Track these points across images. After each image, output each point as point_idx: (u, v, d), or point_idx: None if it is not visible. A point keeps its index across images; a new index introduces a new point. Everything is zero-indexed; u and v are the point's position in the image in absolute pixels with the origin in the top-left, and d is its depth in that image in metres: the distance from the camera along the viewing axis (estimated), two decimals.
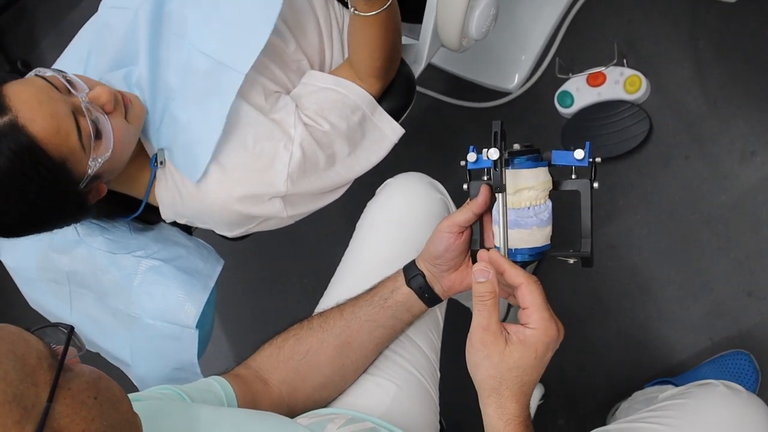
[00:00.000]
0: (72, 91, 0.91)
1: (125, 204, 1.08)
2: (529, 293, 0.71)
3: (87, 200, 0.97)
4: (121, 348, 1.13)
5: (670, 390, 1.00)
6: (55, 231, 0.98)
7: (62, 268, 1.12)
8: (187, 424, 0.73)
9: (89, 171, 0.92)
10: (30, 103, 0.86)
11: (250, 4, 1.00)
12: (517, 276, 0.72)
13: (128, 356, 1.12)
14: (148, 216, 1.10)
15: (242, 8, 1.00)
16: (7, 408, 0.50)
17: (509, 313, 1.54)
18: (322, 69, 1.14)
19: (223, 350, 2.03)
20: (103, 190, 0.99)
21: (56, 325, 0.57)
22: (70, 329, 0.57)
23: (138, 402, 0.72)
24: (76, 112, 0.90)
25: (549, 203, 0.81)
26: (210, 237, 1.18)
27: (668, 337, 1.47)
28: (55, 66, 1.15)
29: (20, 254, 1.18)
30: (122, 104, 0.96)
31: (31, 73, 0.94)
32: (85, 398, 0.55)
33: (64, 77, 0.92)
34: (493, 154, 0.74)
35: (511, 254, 0.79)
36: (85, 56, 1.10)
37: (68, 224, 0.99)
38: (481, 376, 0.71)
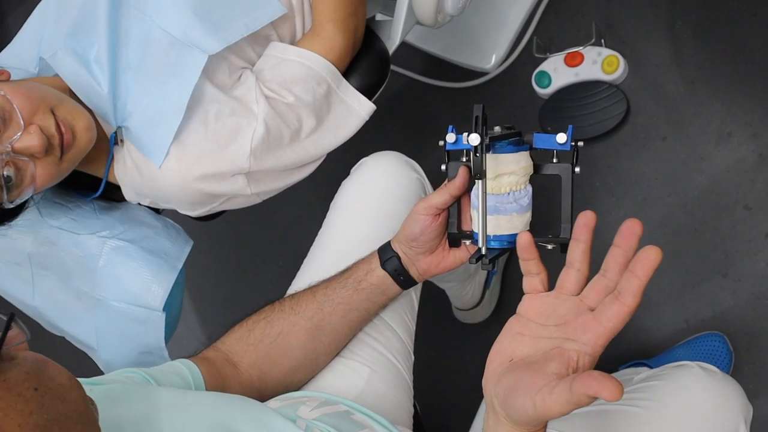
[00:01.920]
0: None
1: (86, 183, 1.04)
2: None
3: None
4: (86, 331, 1.09)
5: (645, 372, 1.00)
6: None
7: (24, 249, 1.08)
8: (146, 408, 0.70)
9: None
10: None
11: None
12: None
13: (94, 340, 1.09)
14: (113, 194, 1.06)
15: None
16: None
17: (486, 293, 1.53)
18: (292, 43, 1.11)
19: (195, 333, 2.00)
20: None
21: None
22: (10, 316, 0.51)
23: (98, 386, 0.69)
24: None
25: (529, 188, 0.79)
26: (180, 217, 1.15)
27: (643, 319, 1.47)
28: (14, 43, 1.10)
29: None
30: (59, 147, 0.90)
31: None
32: (23, 390, 0.50)
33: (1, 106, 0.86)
34: (474, 139, 0.71)
35: (489, 241, 0.77)
36: (41, 31, 1.05)
37: None
38: None
